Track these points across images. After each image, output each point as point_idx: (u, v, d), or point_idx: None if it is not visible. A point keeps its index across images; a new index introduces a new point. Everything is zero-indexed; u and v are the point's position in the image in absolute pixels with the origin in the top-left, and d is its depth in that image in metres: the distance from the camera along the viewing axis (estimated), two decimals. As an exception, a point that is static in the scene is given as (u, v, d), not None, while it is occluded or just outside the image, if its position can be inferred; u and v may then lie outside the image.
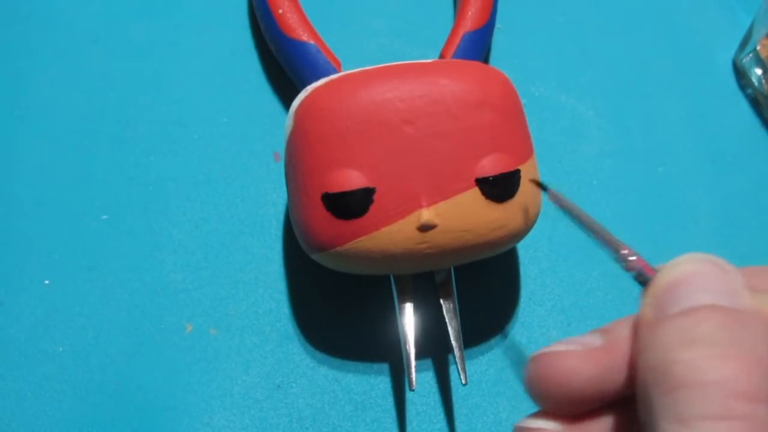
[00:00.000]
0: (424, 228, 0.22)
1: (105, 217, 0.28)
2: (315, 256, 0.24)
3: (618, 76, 0.32)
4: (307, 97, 0.23)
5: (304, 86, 0.26)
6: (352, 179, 0.22)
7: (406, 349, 0.24)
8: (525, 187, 0.23)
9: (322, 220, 0.22)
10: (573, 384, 0.16)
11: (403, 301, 0.24)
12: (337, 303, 0.27)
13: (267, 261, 0.27)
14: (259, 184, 0.28)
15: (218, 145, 0.29)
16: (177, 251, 0.27)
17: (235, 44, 0.31)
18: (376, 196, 0.22)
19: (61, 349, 0.26)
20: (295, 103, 0.24)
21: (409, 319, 0.24)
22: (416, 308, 0.24)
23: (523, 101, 0.30)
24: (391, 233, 0.22)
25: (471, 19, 0.28)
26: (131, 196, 0.28)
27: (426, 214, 0.22)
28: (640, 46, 0.32)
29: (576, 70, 0.32)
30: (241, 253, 0.27)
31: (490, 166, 0.22)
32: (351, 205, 0.22)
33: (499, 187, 0.23)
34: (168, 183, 0.28)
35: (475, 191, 0.22)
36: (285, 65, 0.28)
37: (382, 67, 0.24)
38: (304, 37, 0.27)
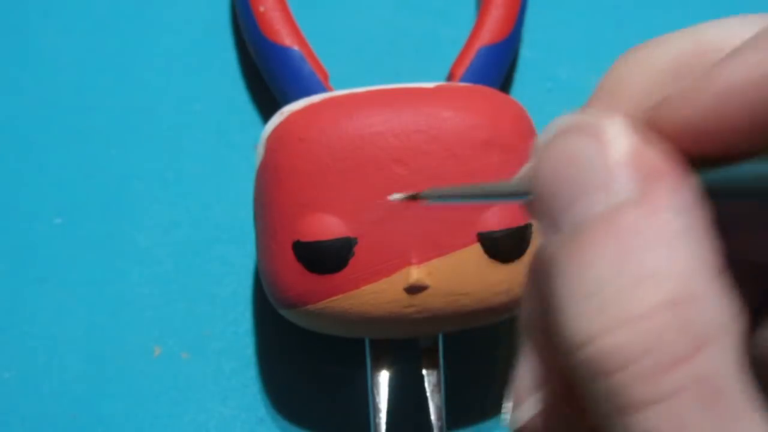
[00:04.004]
0: (413, 289, 0.22)
1: (58, 220, 0.28)
2: (283, 312, 0.24)
3: None
4: (281, 123, 0.23)
5: (284, 98, 0.26)
6: (330, 227, 0.22)
7: (375, 423, 0.24)
8: (537, 245, 0.23)
9: (293, 273, 0.22)
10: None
11: (377, 368, 0.24)
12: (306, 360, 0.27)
13: (247, 272, 0.27)
14: (238, 182, 0.28)
15: (191, 137, 0.29)
16: (143, 261, 0.27)
17: (211, 18, 0.30)
18: (357, 249, 0.22)
19: (7, 374, 0.26)
20: (268, 128, 0.24)
21: (383, 391, 0.24)
22: (393, 378, 0.24)
23: (547, 85, 0.30)
24: (374, 293, 0.22)
25: (490, 30, 0.27)
26: (89, 197, 0.28)
27: (415, 273, 0.22)
28: (686, 19, 0.31)
29: (610, 47, 0.29)
30: (217, 263, 0.27)
31: (495, 219, 0.22)
32: (327, 257, 0.22)
33: (506, 245, 0.22)
34: (132, 181, 0.28)
35: (476, 248, 0.22)
36: (264, 72, 0.28)
37: (373, 91, 0.23)
38: (288, 41, 0.27)
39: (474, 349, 0.27)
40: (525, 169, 0.14)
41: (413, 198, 0.17)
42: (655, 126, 0.13)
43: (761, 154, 0.13)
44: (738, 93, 0.12)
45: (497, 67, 0.28)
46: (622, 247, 0.12)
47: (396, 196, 0.17)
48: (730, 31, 0.14)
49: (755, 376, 0.16)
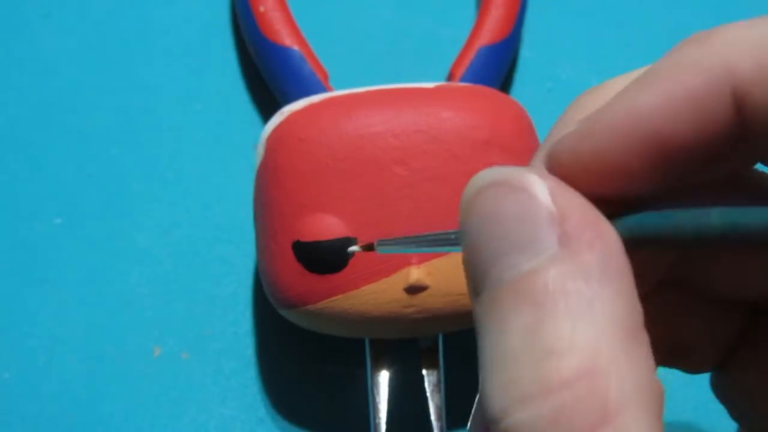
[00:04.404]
0: (413, 289, 0.22)
1: (58, 221, 0.28)
2: (283, 313, 0.24)
3: (659, 57, 0.31)
4: (281, 123, 0.23)
5: (284, 98, 0.26)
6: (330, 227, 0.22)
7: (375, 423, 0.24)
8: None
9: (292, 273, 0.22)
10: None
11: (377, 368, 0.24)
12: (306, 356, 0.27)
13: (247, 272, 0.27)
14: (238, 183, 0.28)
15: (191, 137, 0.29)
16: (143, 261, 0.27)
17: (211, 18, 0.30)
18: None
19: (7, 374, 0.26)
20: (268, 128, 0.24)
21: (383, 391, 0.24)
22: (393, 378, 0.24)
23: (547, 85, 0.30)
24: (374, 293, 0.22)
25: (490, 30, 0.27)
26: (89, 197, 0.28)
27: (415, 274, 0.22)
28: (686, 19, 0.32)
29: (610, 47, 0.31)
30: (217, 263, 0.27)
31: None
32: (327, 257, 0.22)
33: None
34: (132, 181, 0.28)
35: None
36: (264, 72, 0.28)
37: (373, 92, 0.23)
38: (288, 41, 0.27)
39: (474, 349, 0.27)
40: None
41: (368, 249, 0.17)
42: (553, 164, 0.13)
43: (670, 193, 0.13)
44: (616, 131, 0.12)
45: (497, 67, 0.28)
46: (534, 315, 0.12)
47: (353, 249, 0.18)
48: None
49: (733, 407, 0.16)
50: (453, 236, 0.15)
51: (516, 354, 0.12)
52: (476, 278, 0.13)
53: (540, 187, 0.12)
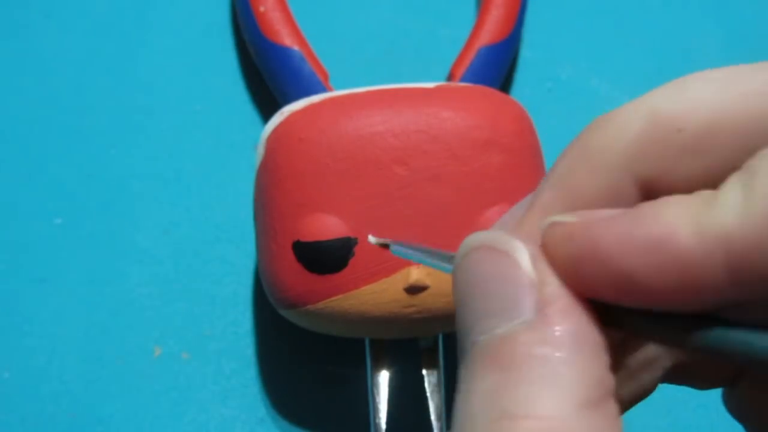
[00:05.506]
0: (413, 289, 0.22)
1: (59, 220, 0.28)
2: (283, 313, 0.24)
3: (659, 57, 0.31)
4: (281, 123, 0.23)
5: (284, 98, 0.26)
6: (330, 227, 0.22)
7: (376, 423, 0.24)
8: None
9: (292, 273, 0.22)
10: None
11: (377, 368, 0.24)
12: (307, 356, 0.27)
13: (247, 272, 0.27)
14: (238, 183, 0.28)
15: (191, 137, 0.29)
16: (143, 261, 0.27)
17: (211, 18, 0.30)
18: (357, 249, 0.22)
19: (6, 374, 0.26)
20: (268, 128, 0.24)
21: (383, 391, 0.24)
22: (393, 378, 0.24)
23: (547, 85, 0.30)
24: (374, 293, 0.22)
25: (490, 30, 0.27)
26: (89, 197, 0.28)
27: (415, 274, 0.22)
28: (685, 20, 0.32)
29: (610, 48, 0.31)
30: (217, 263, 0.27)
31: (496, 218, 0.22)
32: (327, 257, 0.22)
33: None
34: (132, 181, 0.28)
35: None
36: (264, 72, 0.28)
37: (373, 92, 0.23)
38: (288, 41, 0.27)
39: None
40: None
41: (384, 246, 0.18)
42: (545, 244, 0.13)
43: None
44: (601, 262, 0.12)
45: (497, 67, 0.28)
46: (498, 378, 0.12)
47: (372, 240, 0.18)
48: (686, 104, 0.13)
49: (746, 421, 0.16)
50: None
51: (475, 415, 0.12)
52: (460, 338, 0.13)
53: (522, 253, 0.12)
